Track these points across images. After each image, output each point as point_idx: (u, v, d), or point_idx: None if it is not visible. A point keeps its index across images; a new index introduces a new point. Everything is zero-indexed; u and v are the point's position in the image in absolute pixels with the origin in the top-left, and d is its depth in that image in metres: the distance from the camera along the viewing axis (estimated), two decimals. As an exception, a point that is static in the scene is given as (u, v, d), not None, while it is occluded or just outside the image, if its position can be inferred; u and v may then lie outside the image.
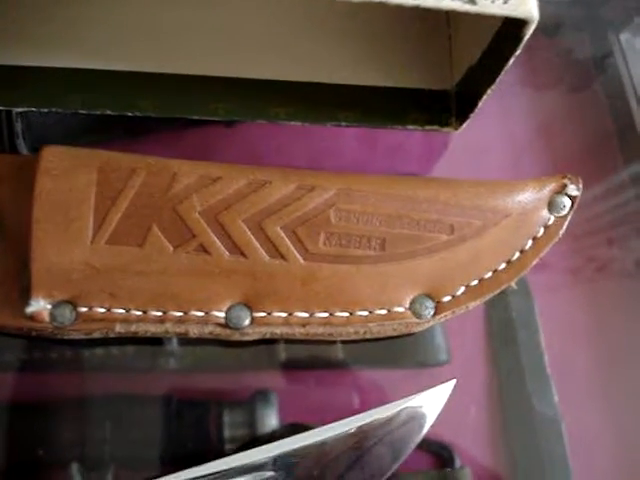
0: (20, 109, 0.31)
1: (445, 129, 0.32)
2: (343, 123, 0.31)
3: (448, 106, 0.32)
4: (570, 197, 0.30)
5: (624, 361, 0.39)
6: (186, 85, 0.31)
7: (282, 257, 0.27)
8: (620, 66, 0.51)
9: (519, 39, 0.26)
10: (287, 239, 0.27)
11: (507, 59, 0.27)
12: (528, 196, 0.30)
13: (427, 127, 0.32)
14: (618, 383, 0.38)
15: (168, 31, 0.32)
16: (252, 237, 0.27)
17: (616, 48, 0.51)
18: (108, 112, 0.31)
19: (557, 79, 0.50)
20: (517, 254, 0.29)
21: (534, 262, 0.30)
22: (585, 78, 0.52)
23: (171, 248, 0.27)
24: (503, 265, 0.29)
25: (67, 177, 0.27)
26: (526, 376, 0.38)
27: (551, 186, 0.30)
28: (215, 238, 0.27)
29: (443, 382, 0.29)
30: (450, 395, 0.29)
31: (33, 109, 0.31)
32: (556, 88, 0.49)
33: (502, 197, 0.29)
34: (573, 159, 0.47)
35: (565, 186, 0.30)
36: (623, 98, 0.50)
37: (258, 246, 0.27)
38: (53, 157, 0.27)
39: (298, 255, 0.27)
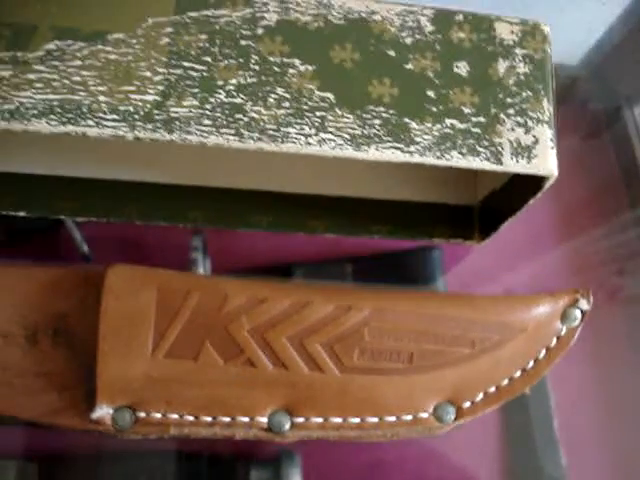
0: (80, 219, 0.34)
1: (468, 242, 0.35)
2: (375, 236, 0.34)
3: (472, 221, 0.35)
4: (581, 310, 0.33)
5: (632, 422, 0.42)
6: (229, 198, 0.34)
7: (320, 370, 0.30)
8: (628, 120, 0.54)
9: (539, 188, 0.29)
10: (325, 355, 0.30)
11: (526, 201, 0.30)
12: (543, 310, 0.32)
13: (452, 241, 0.35)
14: (627, 447, 0.41)
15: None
16: (294, 353, 0.30)
17: (629, 119, 0.54)
18: (161, 223, 0.34)
19: (570, 128, 0.53)
20: (531, 363, 0.32)
21: (547, 370, 0.32)
22: (596, 128, 0.55)
23: (222, 362, 0.30)
24: (518, 373, 0.32)
25: (130, 296, 0.30)
26: (536, 439, 0.41)
27: (564, 300, 0.33)
28: (261, 353, 0.30)
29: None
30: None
31: (93, 219, 0.34)
32: (569, 136, 0.52)
33: (520, 313, 0.32)
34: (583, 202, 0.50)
35: (577, 300, 0.33)
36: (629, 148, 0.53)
37: (299, 360, 0.30)
38: (117, 276, 0.30)
39: (334, 368, 0.30)
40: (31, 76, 0.27)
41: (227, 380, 0.30)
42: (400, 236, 0.34)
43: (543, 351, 0.33)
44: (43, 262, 0.47)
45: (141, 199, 0.34)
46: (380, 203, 0.35)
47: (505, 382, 0.32)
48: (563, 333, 0.33)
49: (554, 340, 0.33)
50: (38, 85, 0.27)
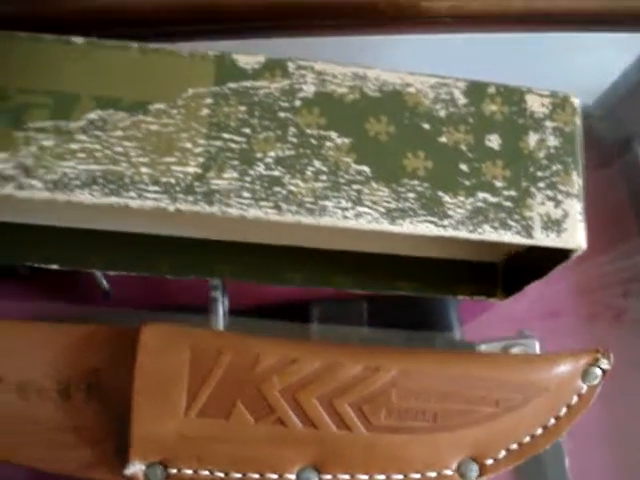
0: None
1: (491, 299, 0.35)
2: (401, 292, 0.35)
3: (495, 278, 0.35)
4: (601, 369, 0.33)
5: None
6: (259, 253, 0.35)
7: (348, 429, 0.31)
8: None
9: (565, 257, 0.29)
10: (353, 414, 0.31)
11: (551, 268, 0.30)
12: (565, 369, 0.33)
13: (475, 297, 0.35)
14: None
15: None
16: (323, 412, 0.31)
17: None
18: (191, 277, 0.34)
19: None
20: (553, 420, 0.33)
21: (569, 427, 0.33)
22: (607, 159, 0.56)
23: (253, 421, 0.30)
24: (540, 430, 0.33)
25: (164, 354, 0.30)
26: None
27: (585, 359, 0.33)
28: (291, 413, 0.31)
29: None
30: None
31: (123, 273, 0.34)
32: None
33: (542, 372, 0.33)
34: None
35: (597, 359, 0.33)
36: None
37: (328, 420, 0.31)
38: (151, 335, 0.31)
39: (362, 427, 0.31)
40: (74, 146, 0.27)
41: (257, 438, 0.31)
42: (424, 292, 0.35)
43: (564, 409, 0.33)
44: (64, 298, 0.47)
45: (171, 253, 0.35)
46: (405, 260, 0.35)
47: (527, 439, 0.33)
48: (584, 391, 0.33)
49: (575, 398, 0.33)
50: (81, 155, 0.27)
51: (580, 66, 0.52)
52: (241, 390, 0.30)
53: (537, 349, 0.46)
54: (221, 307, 0.44)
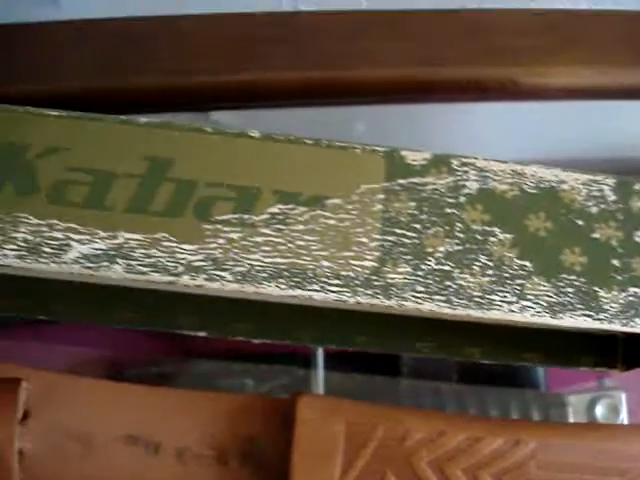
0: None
1: (612, 371, 0.37)
2: (528, 364, 0.37)
3: (616, 350, 0.37)
4: None
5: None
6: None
7: (490, 498, 0.33)
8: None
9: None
10: (495, 485, 0.33)
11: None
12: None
13: (596, 369, 0.37)
14: None
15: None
16: (467, 483, 0.33)
17: None
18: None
19: None
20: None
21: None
22: None
23: (401, 492, 0.32)
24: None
25: (320, 427, 0.32)
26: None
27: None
28: (438, 483, 0.33)
29: None
30: None
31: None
32: None
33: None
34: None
35: None
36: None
37: (471, 489, 0.33)
38: (308, 407, 0.32)
39: (502, 497, 0.33)
40: (258, 239, 0.29)
41: (406, 507, 0.33)
42: (549, 364, 0.37)
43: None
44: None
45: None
46: (530, 331, 0.37)
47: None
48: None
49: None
50: (266, 248, 0.29)
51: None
52: (392, 462, 0.32)
53: (624, 401, 0.48)
54: (321, 361, 0.46)
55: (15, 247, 0.28)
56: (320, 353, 0.47)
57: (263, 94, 0.38)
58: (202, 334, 0.36)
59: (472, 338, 0.37)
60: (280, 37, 0.38)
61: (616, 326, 0.30)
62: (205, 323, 0.38)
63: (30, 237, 0.29)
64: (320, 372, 0.47)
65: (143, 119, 0.30)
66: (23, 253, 0.28)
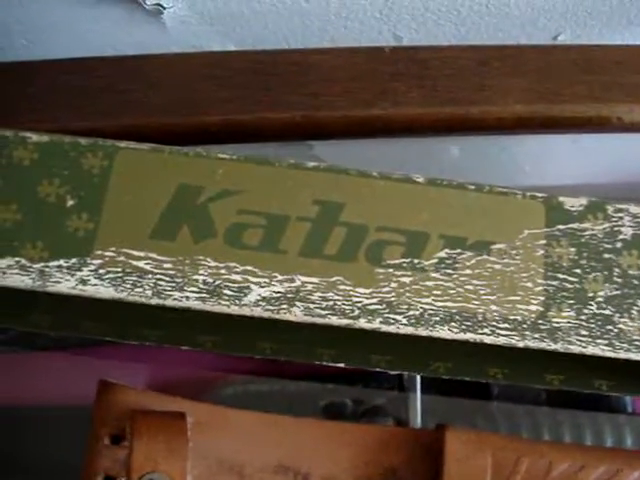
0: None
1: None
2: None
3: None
4: None
5: None
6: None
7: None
8: None
9: None
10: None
11: None
12: None
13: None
14: None
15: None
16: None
17: None
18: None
19: None
20: None
21: None
22: None
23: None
24: None
25: (467, 459, 0.33)
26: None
27: None
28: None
29: None
30: None
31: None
32: None
33: None
34: None
35: None
36: None
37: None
38: (456, 440, 0.33)
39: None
40: (429, 283, 0.30)
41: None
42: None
43: None
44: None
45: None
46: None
47: None
48: None
49: None
50: (437, 292, 0.30)
51: None
52: (534, 494, 0.34)
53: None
54: (419, 384, 0.47)
55: (196, 289, 0.29)
56: (417, 377, 0.48)
57: (394, 128, 0.39)
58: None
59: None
60: (406, 72, 0.39)
61: None
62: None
63: (210, 279, 0.29)
64: (418, 395, 0.48)
65: (311, 163, 0.31)
66: (204, 295, 0.29)
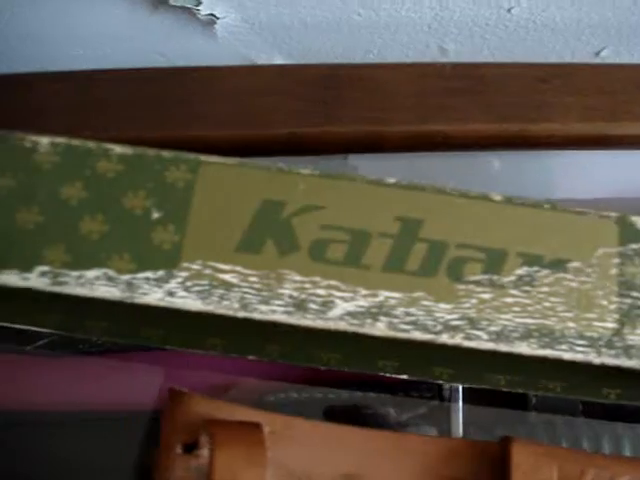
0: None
1: None
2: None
3: None
4: None
5: None
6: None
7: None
8: None
9: None
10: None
11: None
12: None
13: None
14: None
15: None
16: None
17: None
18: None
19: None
20: None
21: None
22: None
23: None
24: None
25: (534, 471, 0.34)
26: None
27: None
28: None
29: None
30: None
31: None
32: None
33: None
34: None
35: None
36: None
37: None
38: (522, 454, 0.34)
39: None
40: (508, 300, 0.31)
41: None
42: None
43: None
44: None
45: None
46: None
47: None
48: None
49: None
50: (516, 309, 0.30)
51: None
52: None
53: None
54: (460, 393, 0.48)
55: (282, 303, 0.30)
56: (460, 387, 0.49)
57: (455, 144, 0.40)
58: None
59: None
60: (466, 88, 0.40)
61: None
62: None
63: (295, 293, 0.30)
64: (460, 405, 0.49)
65: (390, 179, 0.32)
66: (290, 309, 0.30)
